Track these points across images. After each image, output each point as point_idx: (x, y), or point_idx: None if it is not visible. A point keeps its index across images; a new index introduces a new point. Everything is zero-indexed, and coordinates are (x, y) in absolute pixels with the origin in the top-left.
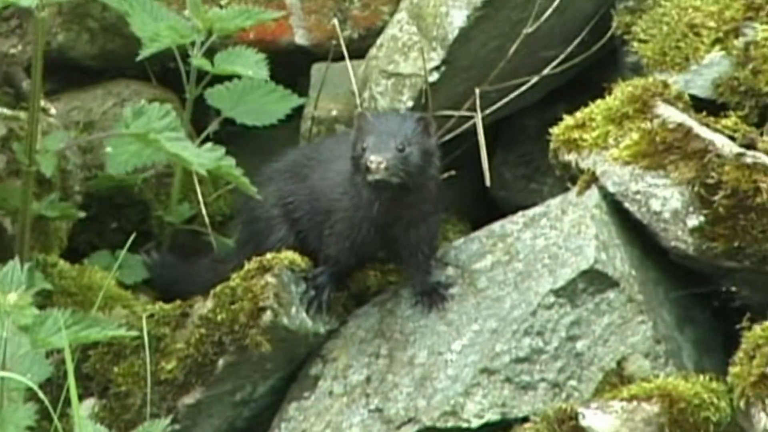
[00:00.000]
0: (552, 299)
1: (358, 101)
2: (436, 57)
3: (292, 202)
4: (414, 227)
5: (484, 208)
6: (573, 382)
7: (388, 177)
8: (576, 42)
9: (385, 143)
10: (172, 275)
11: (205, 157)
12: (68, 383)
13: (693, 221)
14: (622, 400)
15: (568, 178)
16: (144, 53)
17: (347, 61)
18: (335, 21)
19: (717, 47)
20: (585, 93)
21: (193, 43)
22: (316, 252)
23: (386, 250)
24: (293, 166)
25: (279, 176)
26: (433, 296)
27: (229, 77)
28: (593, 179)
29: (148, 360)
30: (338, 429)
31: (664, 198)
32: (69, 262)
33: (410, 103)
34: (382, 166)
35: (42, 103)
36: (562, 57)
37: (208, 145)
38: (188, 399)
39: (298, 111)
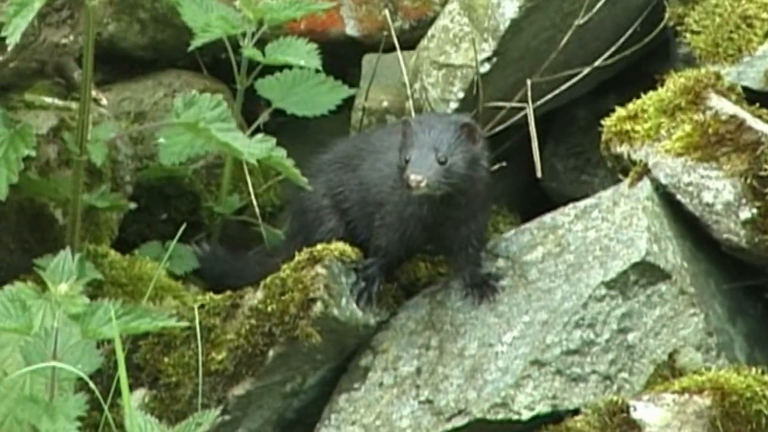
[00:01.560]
0: (603, 291)
1: (409, 92)
2: (488, 48)
3: (342, 193)
4: (464, 224)
5: (535, 200)
6: (624, 375)
7: (430, 192)
8: (628, 33)
9: (426, 157)
10: (222, 268)
11: (255, 148)
12: (119, 374)
13: (745, 213)
14: (673, 392)
15: (620, 169)
16: (195, 44)
17: (398, 52)
18: (386, 12)
19: None
20: (637, 84)
21: (243, 34)
22: (366, 243)
23: (435, 245)
24: (343, 156)
25: (328, 167)
26: (483, 288)
27: (280, 68)
28: (645, 171)
29: (200, 351)
30: (388, 421)
31: (717, 190)
32: (119, 253)
33: (461, 95)
34: (422, 184)
35: (93, 93)
36: (613, 48)
37: (259, 135)
38: (238, 390)
39: (348, 102)
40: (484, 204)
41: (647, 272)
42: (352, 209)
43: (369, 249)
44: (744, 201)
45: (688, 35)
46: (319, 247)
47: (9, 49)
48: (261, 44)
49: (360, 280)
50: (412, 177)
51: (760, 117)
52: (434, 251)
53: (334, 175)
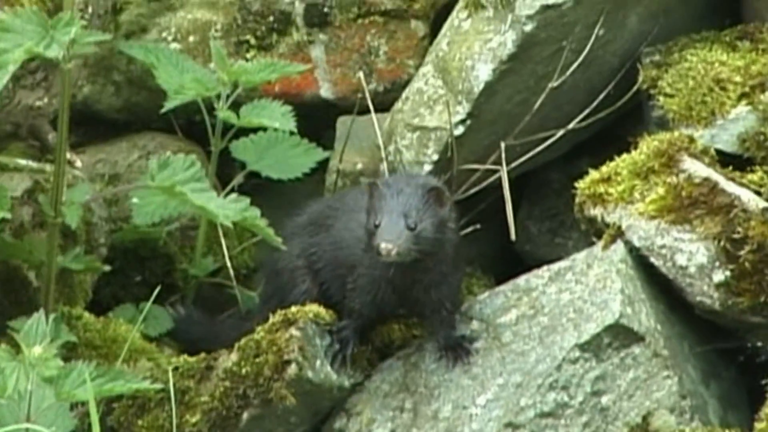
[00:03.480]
0: (577, 354)
1: (383, 154)
2: (462, 110)
3: (315, 253)
4: (435, 287)
5: (509, 262)
6: None
7: (400, 259)
8: (601, 96)
9: (396, 224)
10: (198, 331)
11: (230, 209)
12: None
13: (719, 276)
14: None
15: (594, 232)
16: (169, 105)
17: (372, 114)
18: (360, 74)
19: (743, 102)
20: (610, 147)
21: (218, 96)
22: (339, 304)
23: (408, 308)
24: (317, 217)
25: (302, 229)
26: (457, 350)
27: (254, 130)
28: (619, 233)
29: (173, 413)
30: None
31: (690, 253)
32: (93, 315)
33: (435, 157)
34: (393, 252)
35: (67, 155)
36: (587, 111)
37: (233, 195)
38: None
39: (323, 164)
40: (455, 267)
41: (621, 335)
42: (325, 270)
43: (342, 311)
44: (717, 264)
45: (661, 98)
46: (293, 309)
47: None
48: (235, 106)
49: (334, 342)
50: (383, 245)
51: (733, 180)
52: (408, 314)
53: (308, 236)
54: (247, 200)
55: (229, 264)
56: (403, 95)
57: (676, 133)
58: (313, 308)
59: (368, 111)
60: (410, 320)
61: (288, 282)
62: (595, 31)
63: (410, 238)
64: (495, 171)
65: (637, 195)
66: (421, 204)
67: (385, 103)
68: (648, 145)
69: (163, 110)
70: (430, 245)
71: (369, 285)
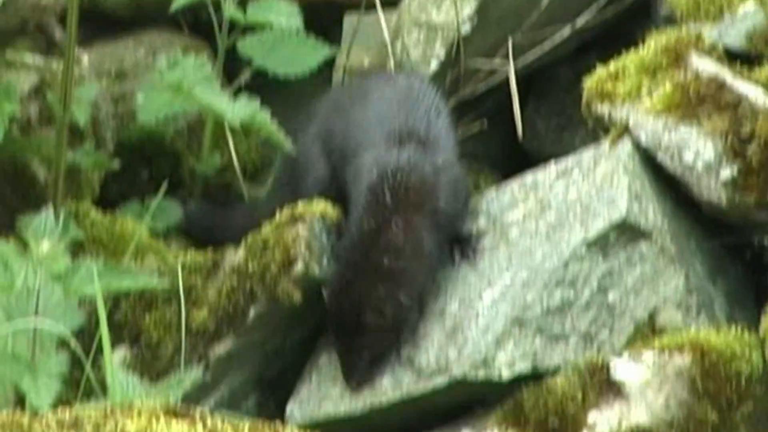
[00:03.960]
0: (584, 250)
1: (390, 52)
2: (469, 7)
3: (330, 138)
4: None
5: (516, 159)
6: (604, 334)
7: None
8: None
9: None
10: (208, 222)
11: (239, 110)
12: (100, 332)
13: (726, 173)
14: (653, 351)
15: (601, 129)
16: (177, 4)
17: (379, 11)
18: None
19: None
20: (618, 44)
21: None
22: (344, 189)
23: None
24: (334, 103)
25: (320, 114)
26: (464, 247)
27: (262, 28)
28: (626, 130)
29: (183, 310)
30: None
31: (697, 150)
32: (101, 212)
33: (442, 53)
34: None
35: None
36: (595, 8)
37: (243, 97)
38: (219, 349)
39: (330, 62)
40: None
41: (628, 231)
42: (335, 154)
43: (347, 197)
44: (724, 161)
45: None
46: (300, 206)
47: None
48: (242, 4)
49: None
50: None
51: (741, 77)
52: None
53: (325, 120)
54: (257, 102)
55: (236, 161)
56: None
57: (684, 30)
58: (320, 206)
59: (375, 8)
60: None
61: (303, 169)
62: None
63: None
64: (502, 68)
65: (644, 92)
66: None
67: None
68: (656, 42)
69: (172, 8)
70: None
71: None
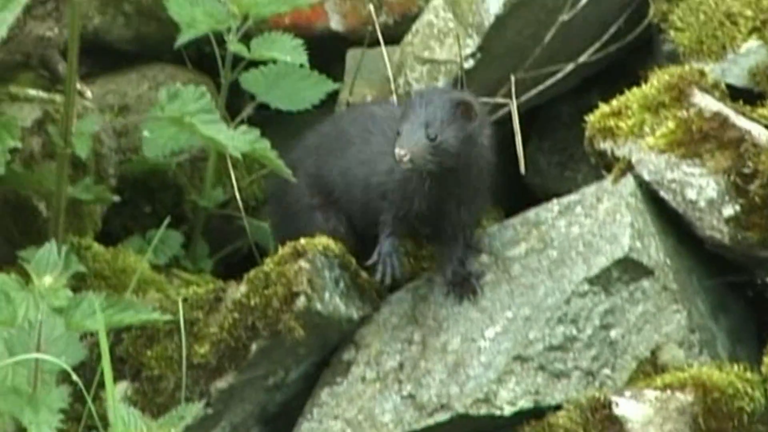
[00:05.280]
0: (586, 287)
1: (392, 87)
2: (472, 44)
3: (328, 181)
4: (465, 205)
5: (519, 196)
6: (606, 371)
7: (416, 167)
8: (612, 30)
9: (416, 133)
10: None
11: (239, 140)
12: (102, 366)
13: (728, 210)
14: (655, 389)
15: (603, 166)
16: (181, 40)
17: (382, 47)
18: (370, 7)
19: (754, 36)
20: (621, 81)
21: (229, 29)
22: (364, 228)
23: (433, 226)
24: (324, 141)
25: (309, 157)
26: (464, 286)
27: (264, 62)
28: (628, 167)
29: (183, 344)
30: (370, 415)
31: (700, 187)
32: (103, 246)
33: None
34: (406, 158)
35: (77, 86)
36: (597, 45)
37: (243, 127)
38: (221, 383)
39: (332, 97)
40: (487, 189)
41: (630, 268)
42: (342, 197)
43: (366, 235)
44: (727, 198)
45: (672, 32)
46: (302, 241)
47: None
48: (246, 38)
49: (380, 263)
50: (397, 151)
51: (743, 114)
52: (429, 236)
53: (317, 162)
54: (257, 131)
55: (238, 195)
56: (414, 28)
57: (687, 67)
58: (323, 240)
59: (378, 44)
60: (419, 252)
61: (306, 225)
62: None
63: (428, 148)
64: (505, 104)
65: (647, 129)
66: (447, 116)
67: (395, 35)
68: (658, 79)
69: (177, 45)
70: (452, 159)
71: (402, 198)
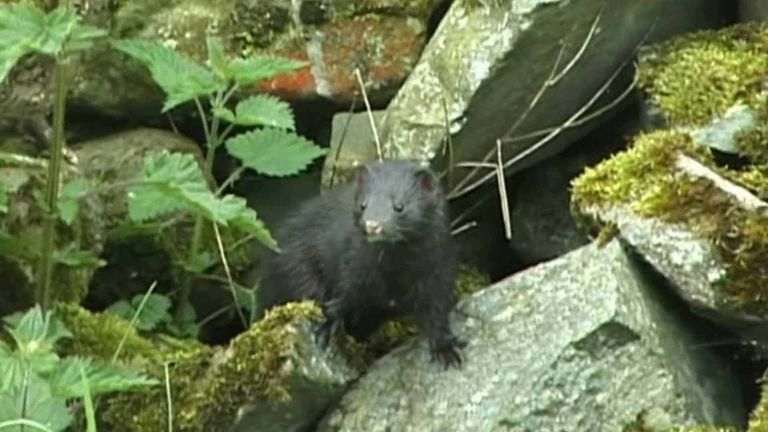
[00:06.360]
0: (572, 352)
1: (379, 152)
2: (458, 108)
3: (316, 254)
4: (422, 278)
5: (505, 260)
6: None
7: (386, 239)
8: (598, 95)
9: (383, 204)
10: None
11: (225, 208)
12: None
13: (714, 275)
14: None
15: (589, 230)
16: (168, 105)
17: (369, 111)
18: (357, 72)
19: (739, 101)
20: (606, 145)
21: (215, 93)
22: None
23: (397, 300)
24: (313, 217)
25: (300, 230)
26: (448, 354)
27: (251, 127)
28: (614, 232)
29: (169, 409)
30: None
31: (686, 251)
32: (89, 311)
33: (432, 155)
34: (378, 230)
35: (63, 151)
36: (583, 110)
37: (230, 196)
38: None
39: (319, 161)
40: (444, 260)
41: (616, 333)
42: (327, 269)
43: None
44: (713, 262)
45: (657, 97)
46: (289, 306)
47: None
48: (232, 103)
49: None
50: (368, 223)
51: (729, 179)
52: (399, 309)
53: (308, 237)
54: (243, 201)
55: (224, 261)
56: (400, 93)
57: (672, 132)
58: (309, 305)
59: (365, 108)
60: (404, 318)
61: (294, 287)
62: (592, 29)
63: (396, 219)
64: (491, 169)
65: (633, 193)
66: (409, 187)
67: (381, 100)
68: (644, 143)
69: (163, 110)
70: (417, 228)
71: (359, 269)
